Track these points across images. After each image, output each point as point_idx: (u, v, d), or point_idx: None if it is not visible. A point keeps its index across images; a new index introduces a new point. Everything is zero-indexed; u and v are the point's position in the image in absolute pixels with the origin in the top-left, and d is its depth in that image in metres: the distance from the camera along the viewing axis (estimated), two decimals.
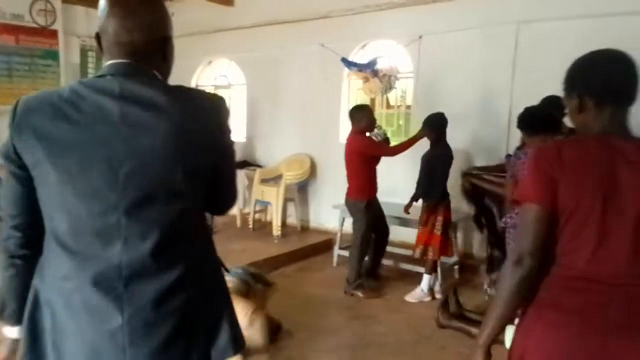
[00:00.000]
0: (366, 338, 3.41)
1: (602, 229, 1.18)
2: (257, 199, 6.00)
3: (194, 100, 1.14)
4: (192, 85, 7.58)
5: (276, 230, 5.77)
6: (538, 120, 2.81)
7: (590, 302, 1.19)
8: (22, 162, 1.07)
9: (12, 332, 1.20)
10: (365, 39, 5.90)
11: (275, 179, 6.06)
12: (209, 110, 1.14)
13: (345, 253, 5.09)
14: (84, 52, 7.17)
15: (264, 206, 6.33)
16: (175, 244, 1.12)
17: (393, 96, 5.93)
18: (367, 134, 4.24)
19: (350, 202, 4.32)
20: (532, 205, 1.24)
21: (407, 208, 4.28)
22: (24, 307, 1.15)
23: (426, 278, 4.14)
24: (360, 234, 4.24)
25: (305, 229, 6.31)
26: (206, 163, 1.14)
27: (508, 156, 2.92)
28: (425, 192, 4.08)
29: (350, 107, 4.53)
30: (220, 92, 7.56)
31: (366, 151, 4.16)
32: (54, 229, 1.09)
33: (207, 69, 7.65)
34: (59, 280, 1.09)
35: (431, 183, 4.01)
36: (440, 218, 4.04)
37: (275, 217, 5.80)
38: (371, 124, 4.23)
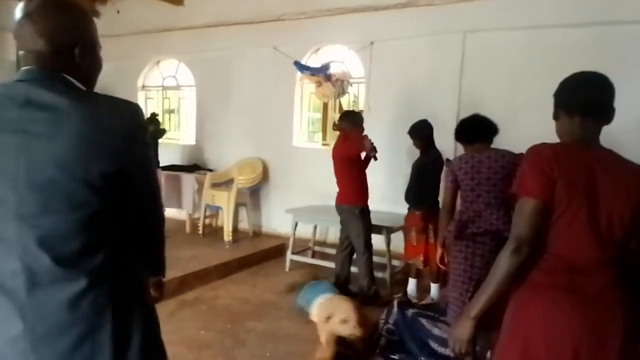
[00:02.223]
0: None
1: (587, 223, 1.39)
2: (207, 203, 5.86)
3: (102, 105, 1.11)
4: (139, 86, 7.34)
5: (227, 236, 5.66)
6: (472, 130, 2.89)
7: (580, 281, 1.40)
8: None
9: None
10: (317, 43, 5.92)
11: (227, 183, 5.94)
12: (117, 116, 1.11)
13: (298, 258, 5.08)
14: None
15: (215, 211, 6.20)
16: (81, 253, 1.10)
17: (345, 101, 5.97)
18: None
19: (344, 208, 4.15)
20: (531, 199, 1.40)
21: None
22: None
23: (433, 287, 4.16)
24: (363, 239, 4.08)
25: (257, 234, 6.23)
26: (110, 170, 1.09)
27: (448, 161, 2.98)
28: (417, 200, 4.03)
29: (342, 112, 4.37)
30: (168, 94, 7.37)
31: (352, 154, 4.04)
32: None
33: (154, 69, 7.41)
34: None
35: (422, 191, 3.96)
36: (431, 226, 3.97)
37: (226, 222, 5.69)
38: (360, 130, 4.09)
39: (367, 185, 4.16)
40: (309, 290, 3.75)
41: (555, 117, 1.56)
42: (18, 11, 1.10)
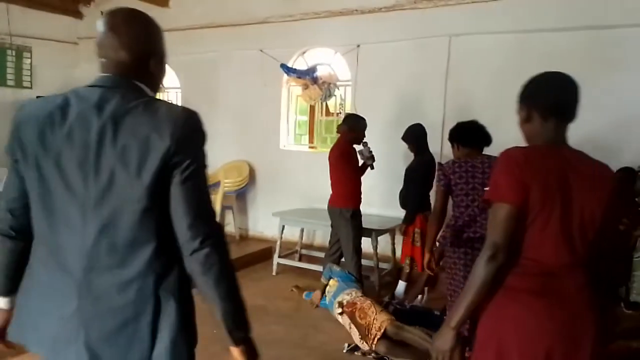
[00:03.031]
0: (306, 347, 3.37)
1: (560, 225, 1.39)
2: None
3: (165, 111, 1.21)
4: None
5: None
6: (470, 133, 2.90)
7: (553, 285, 1.40)
8: (17, 158, 1.24)
9: (1, 303, 1.36)
10: (304, 46, 5.91)
11: (213, 186, 5.89)
12: (177, 122, 1.19)
13: (285, 261, 5.05)
14: (2, 50, 6.67)
15: None
16: (133, 244, 1.19)
17: (332, 103, 5.97)
18: (355, 146, 4.09)
19: (336, 210, 4.13)
20: (506, 205, 1.39)
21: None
22: (10, 282, 1.33)
23: (400, 285, 4.17)
24: (352, 244, 4.05)
25: (243, 237, 6.19)
26: (157, 173, 1.16)
27: (440, 165, 2.98)
28: (403, 202, 4.04)
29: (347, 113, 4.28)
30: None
31: (342, 158, 4.03)
32: (37, 215, 1.24)
33: None
34: (38, 264, 1.26)
35: (409, 193, 3.97)
36: (417, 230, 3.97)
37: None
38: (359, 136, 4.06)
39: (359, 189, 4.11)
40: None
41: (527, 119, 1.52)
42: (101, 24, 1.24)
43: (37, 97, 6.63)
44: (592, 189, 1.43)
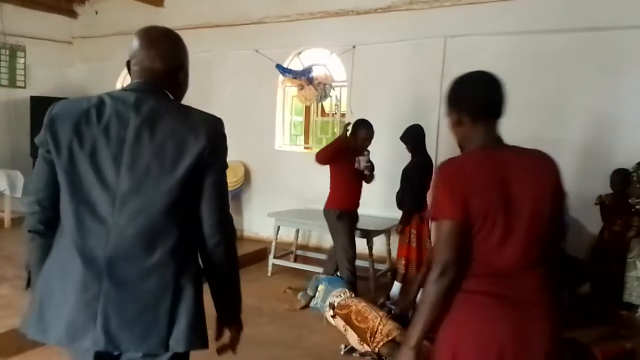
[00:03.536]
0: (300, 348, 3.37)
1: (506, 229, 1.37)
2: None
3: (191, 116, 1.37)
4: (118, 88, 7.22)
5: None
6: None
7: (506, 286, 1.39)
8: (49, 150, 1.30)
9: None
10: (300, 47, 5.91)
11: None
12: (205, 124, 1.35)
13: (281, 262, 5.04)
14: None
15: None
16: (157, 234, 1.28)
17: (328, 104, 5.97)
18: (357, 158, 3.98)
19: (324, 211, 4.14)
20: (448, 221, 1.38)
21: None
22: None
23: (396, 285, 4.15)
24: (340, 244, 4.03)
25: (239, 238, 6.11)
26: (190, 170, 1.30)
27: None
28: (399, 202, 4.04)
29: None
30: None
31: (333, 160, 3.97)
32: (64, 206, 1.30)
33: None
34: (62, 252, 1.31)
35: (404, 194, 3.96)
36: (414, 230, 3.96)
37: None
38: (358, 141, 3.96)
39: (349, 191, 4.07)
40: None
41: (458, 123, 1.50)
42: (140, 36, 1.40)
43: (31, 97, 6.64)
44: (535, 184, 1.40)
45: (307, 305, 4.06)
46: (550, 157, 1.49)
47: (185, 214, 1.32)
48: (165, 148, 1.29)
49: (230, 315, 1.49)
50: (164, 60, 1.40)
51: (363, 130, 3.96)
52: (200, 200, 1.34)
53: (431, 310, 1.40)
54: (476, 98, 1.47)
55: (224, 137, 1.40)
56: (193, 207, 1.34)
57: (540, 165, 1.45)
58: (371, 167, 3.93)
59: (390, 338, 3.13)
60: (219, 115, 1.42)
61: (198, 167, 1.31)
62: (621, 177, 3.87)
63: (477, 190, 1.37)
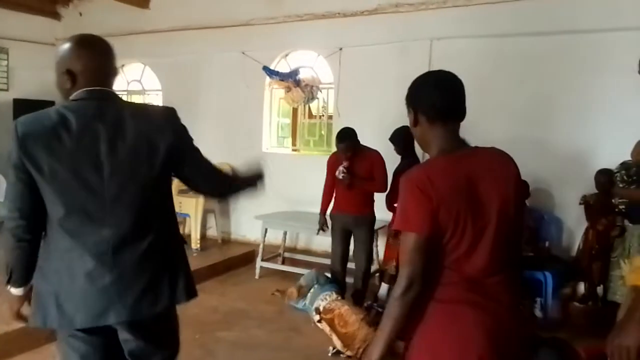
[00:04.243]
0: (288, 351, 3.36)
1: (474, 235, 1.35)
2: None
3: (150, 114, 1.59)
4: None
5: (195, 244, 5.55)
6: None
7: (477, 292, 1.38)
8: (26, 170, 1.44)
9: (19, 291, 1.61)
10: (287, 49, 5.90)
11: None
12: (160, 116, 1.59)
13: (268, 265, 5.03)
14: None
15: (182, 218, 6.06)
16: (146, 221, 1.54)
17: (315, 106, 5.97)
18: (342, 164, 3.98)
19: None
20: (415, 235, 1.33)
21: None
22: (26, 275, 1.58)
23: (383, 287, 4.13)
24: (332, 248, 4.17)
25: (226, 241, 6.14)
26: (165, 164, 1.53)
27: None
28: (389, 204, 4.05)
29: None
30: (133, 99, 7.20)
31: None
32: (55, 216, 1.48)
33: (118, 73, 7.23)
34: (63, 253, 1.50)
35: (394, 195, 3.94)
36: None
37: (194, 230, 5.58)
38: (339, 153, 3.99)
39: (327, 195, 4.18)
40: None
41: (415, 123, 1.48)
42: (80, 44, 1.54)
43: (14, 99, 6.53)
44: (499, 186, 1.39)
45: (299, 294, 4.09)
46: (508, 156, 1.48)
47: (169, 200, 1.61)
48: (138, 151, 1.49)
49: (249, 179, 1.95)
50: (109, 65, 1.58)
51: (338, 137, 4.00)
52: (191, 178, 1.65)
53: (395, 326, 1.36)
54: (431, 97, 1.44)
55: (183, 126, 1.64)
56: (170, 199, 1.66)
57: (501, 166, 1.45)
58: (346, 176, 3.94)
59: (367, 343, 3.13)
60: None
61: (172, 159, 1.55)
62: (605, 178, 3.92)
63: (446, 200, 1.33)
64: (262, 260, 4.98)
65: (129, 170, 1.48)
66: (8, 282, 1.60)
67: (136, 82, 7.09)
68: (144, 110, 1.60)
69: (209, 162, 1.71)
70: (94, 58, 1.53)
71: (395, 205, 4.16)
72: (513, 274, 1.45)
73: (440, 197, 1.32)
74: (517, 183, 1.43)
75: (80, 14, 7.03)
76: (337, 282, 4.04)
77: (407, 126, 4.34)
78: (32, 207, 1.49)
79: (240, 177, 1.93)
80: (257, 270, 4.97)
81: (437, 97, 1.43)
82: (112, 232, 1.49)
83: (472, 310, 1.37)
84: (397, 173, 4.02)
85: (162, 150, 1.51)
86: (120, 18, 6.51)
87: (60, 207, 1.46)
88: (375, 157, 3.98)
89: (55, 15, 7.36)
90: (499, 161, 1.46)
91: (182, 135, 1.61)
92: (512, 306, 1.42)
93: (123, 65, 7.14)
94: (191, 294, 1.67)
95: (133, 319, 1.55)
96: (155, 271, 1.57)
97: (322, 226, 4.24)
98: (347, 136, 3.96)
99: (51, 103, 7.22)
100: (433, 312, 1.39)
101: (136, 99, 7.14)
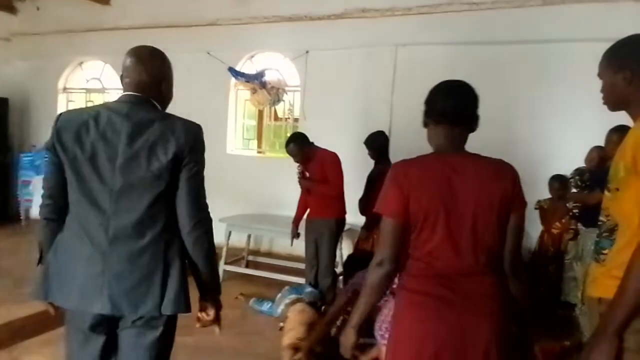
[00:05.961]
0: (251, 356, 3.32)
1: (447, 232, 1.44)
2: None
3: (174, 123, 1.62)
4: (60, 88, 6.90)
5: None
6: None
7: (447, 287, 1.45)
8: (57, 153, 1.59)
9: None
10: (252, 50, 5.86)
11: None
12: (181, 132, 1.61)
13: (232, 268, 4.96)
14: None
15: None
16: (146, 220, 1.57)
17: (281, 108, 5.95)
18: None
19: None
20: (390, 220, 1.48)
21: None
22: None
23: None
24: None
25: None
26: (170, 168, 1.57)
27: None
28: (362, 208, 4.05)
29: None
30: (93, 97, 6.99)
31: None
32: (71, 199, 1.60)
33: (77, 70, 7.00)
34: (72, 236, 1.60)
35: (367, 199, 3.96)
36: (377, 237, 3.94)
37: None
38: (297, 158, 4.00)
39: (301, 203, 4.21)
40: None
41: (425, 124, 1.60)
42: (131, 55, 1.67)
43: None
44: (481, 191, 1.44)
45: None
46: (509, 167, 1.53)
47: (170, 203, 1.61)
48: (152, 150, 1.56)
49: (209, 293, 1.73)
50: (149, 75, 1.66)
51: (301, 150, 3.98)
52: (176, 194, 1.60)
53: (368, 297, 1.52)
54: (436, 103, 1.55)
55: (201, 141, 1.67)
56: (173, 201, 1.63)
57: (492, 174, 1.49)
58: (301, 180, 3.99)
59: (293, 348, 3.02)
60: None
61: (176, 165, 1.58)
62: (558, 183, 4.08)
63: (418, 191, 1.44)
64: (226, 263, 4.91)
65: (137, 168, 1.55)
66: (39, 261, 1.68)
67: (96, 80, 6.88)
68: (170, 118, 1.65)
69: (198, 193, 1.66)
70: (133, 68, 1.66)
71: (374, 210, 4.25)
72: (500, 281, 1.49)
73: (411, 188, 1.45)
74: (507, 194, 1.46)
75: (38, 9, 6.78)
76: (314, 285, 4.04)
77: (382, 131, 4.40)
78: (59, 188, 1.62)
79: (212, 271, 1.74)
80: (221, 274, 4.90)
81: (439, 102, 1.54)
82: (112, 223, 1.55)
83: (437, 304, 1.44)
84: (371, 179, 4.05)
85: (170, 153, 1.57)
86: (80, 14, 6.31)
87: (75, 191, 1.58)
88: (327, 158, 3.91)
89: (11, 9, 7.06)
90: (492, 170, 1.50)
91: (193, 148, 1.63)
92: (493, 312, 1.43)
93: (81, 63, 6.93)
94: (180, 307, 1.59)
95: (113, 314, 1.57)
96: (147, 273, 1.56)
97: (293, 236, 4.24)
98: (291, 140, 3.95)
99: (3, 100, 6.93)
100: (402, 301, 1.52)
101: (95, 97, 6.95)
